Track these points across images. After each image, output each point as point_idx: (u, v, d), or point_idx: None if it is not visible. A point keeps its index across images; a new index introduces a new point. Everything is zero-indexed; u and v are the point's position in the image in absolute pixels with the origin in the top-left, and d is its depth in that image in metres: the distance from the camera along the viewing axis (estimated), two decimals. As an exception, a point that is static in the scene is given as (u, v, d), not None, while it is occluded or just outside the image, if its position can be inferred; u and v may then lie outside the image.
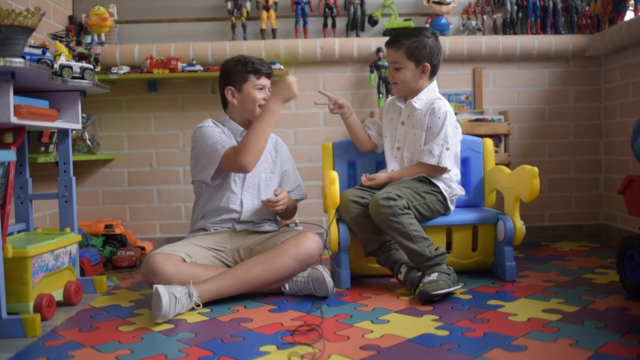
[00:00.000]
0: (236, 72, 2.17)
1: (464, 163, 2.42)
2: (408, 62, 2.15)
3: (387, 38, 3.00)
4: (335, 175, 2.09)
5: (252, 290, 1.94)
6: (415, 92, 2.20)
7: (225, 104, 2.25)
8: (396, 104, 2.25)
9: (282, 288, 2.00)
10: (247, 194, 2.17)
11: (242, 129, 2.20)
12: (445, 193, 2.14)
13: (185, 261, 1.94)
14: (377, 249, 2.09)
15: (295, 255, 1.96)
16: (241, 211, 2.15)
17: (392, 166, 2.22)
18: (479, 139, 2.43)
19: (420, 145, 2.18)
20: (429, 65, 2.16)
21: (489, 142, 2.41)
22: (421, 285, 1.89)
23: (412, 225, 1.97)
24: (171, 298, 1.72)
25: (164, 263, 1.88)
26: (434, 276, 1.89)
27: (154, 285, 1.73)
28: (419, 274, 1.95)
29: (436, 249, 1.97)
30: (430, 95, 2.19)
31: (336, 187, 2.07)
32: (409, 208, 2.00)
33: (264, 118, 2.07)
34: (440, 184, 2.14)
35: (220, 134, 2.14)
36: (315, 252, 2.00)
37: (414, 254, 1.96)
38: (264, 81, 2.19)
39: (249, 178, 2.18)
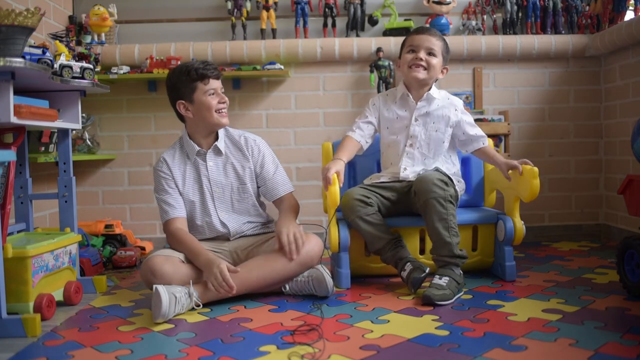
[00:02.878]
0: (181, 83, 2.03)
1: (464, 163, 2.42)
2: (440, 55, 2.17)
3: (387, 38, 3.03)
4: (335, 175, 2.08)
5: (253, 292, 1.94)
6: (424, 86, 2.20)
7: (182, 118, 2.12)
8: (407, 99, 2.21)
9: (283, 288, 2.00)
10: (223, 214, 2.10)
11: (197, 148, 2.07)
12: (457, 188, 2.15)
13: (184, 262, 1.95)
14: (383, 247, 2.06)
15: (298, 258, 1.96)
16: (229, 232, 2.10)
17: (405, 163, 2.19)
18: None
19: (443, 141, 2.20)
20: (448, 69, 2.23)
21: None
22: (428, 285, 1.88)
23: (454, 217, 1.98)
24: (171, 298, 1.72)
25: (164, 264, 1.88)
26: (444, 281, 1.88)
27: (154, 285, 1.73)
28: (423, 275, 1.94)
29: (460, 250, 1.98)
30: (442, 91, 2.27)
31: (336, 188, 2.07)
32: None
33: (194, 255, 1.93)
34: (454, 179, 2.16)
35: (166, 185, 2.06)
36: (316, 255, 2.00)
37: (442, 244, 1.95)
38: (214, 84, 2.04)
39: (218, 198, 2.09)
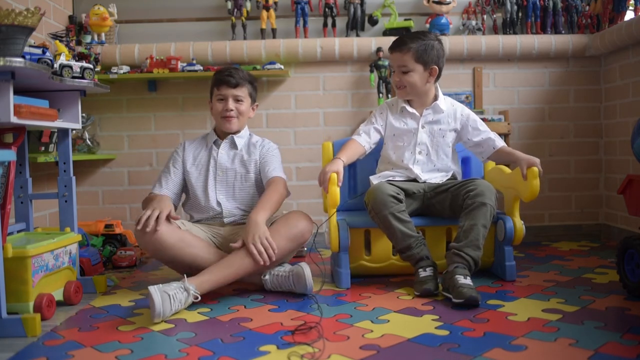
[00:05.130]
0: (210, 85, 2.28)
1: (465, 162, 2.42)
2: (416, 65, 2.13)
3: (387, 38, 3.03)
4: (335, 176, 2.05)
5: (249, 275, 1.97)
6: (421, 96, 2.21)
7: None
8: (408, 111, 2.22)
9: (264, 284, 2.03)
10: (222, 196, 2.23)
11: (215, 137, 2.29)
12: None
13: (180, 228, 2.04)
14: (409, 245, 2.01)
15: (287, 235, 1.99)
16: (222, 212, 2.21)
17: (417, 170, 2.20)
18: None
19: (449, 145, 2.23)
20: (437, 68, 2.16)
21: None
22: (453, 284, 1.85)
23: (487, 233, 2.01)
24: (164, 297, 1.71)
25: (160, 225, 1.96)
26: (470, 281, 1.87)
27: (148, 287, 1.73)
28: (435, 291, 1.92)
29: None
30: (446, 98, 2.27)
31: (336, 188, 2.06)
32: None
33: (150, 201, 2.11)
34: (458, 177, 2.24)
35: (173, 166, 2.28)
36: (306, 229, 2.05)
37: (475, 246, 1.95)
38: (224, 90, 2.22)
39: (221, 182, 2.23)
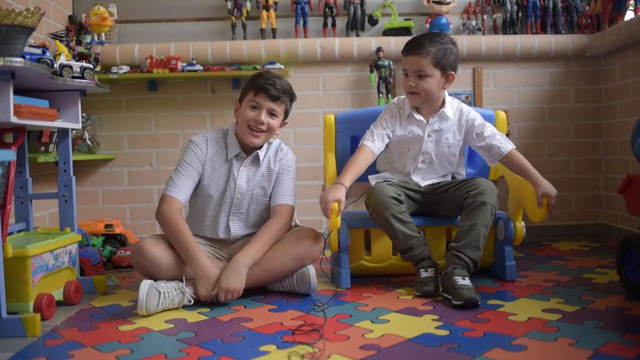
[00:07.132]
0: (246, 85, 2.05)
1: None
2: (435, 70, 2.01)
3: (387, 38, 3.03)
4: (336, 206, 1.92)
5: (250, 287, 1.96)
6: (432, 103, 2.11)
7: None
8: (414, 118, 2.13)
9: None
10: (234, 219, 2.07)
11: (239, 150, 2.04)
12: None
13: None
14: (411, 245, 2.00)
15: (295, 255, 1.96)
16: (229, 237, 2.08)
17: (417, 178, 2.17)
18: (491, 111, 2.34)
19: (455, 154, 2.17)
20: (454, 74, 2.06)
21: (502, 115, 2.31)
22: (452, 286, 1.84)
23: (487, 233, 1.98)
24: (151, 291, 1.75)
25: (153, 246, 1.89)
26: (469, 282, 1.86)
27: (143, 281, 1.76)
28: (436, 293, 1.91)
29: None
30: (453, 101, 2.16)
31: (337, 216, 1.92)
32: None
33: (189, 258, 1.89)
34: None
35: (192, 165, 2.01)
36: (316, 251, 2.00)
37: (474, 247, 1.93)
38: (261, 100, 1.98)
39: (236, 204, 2.05)
